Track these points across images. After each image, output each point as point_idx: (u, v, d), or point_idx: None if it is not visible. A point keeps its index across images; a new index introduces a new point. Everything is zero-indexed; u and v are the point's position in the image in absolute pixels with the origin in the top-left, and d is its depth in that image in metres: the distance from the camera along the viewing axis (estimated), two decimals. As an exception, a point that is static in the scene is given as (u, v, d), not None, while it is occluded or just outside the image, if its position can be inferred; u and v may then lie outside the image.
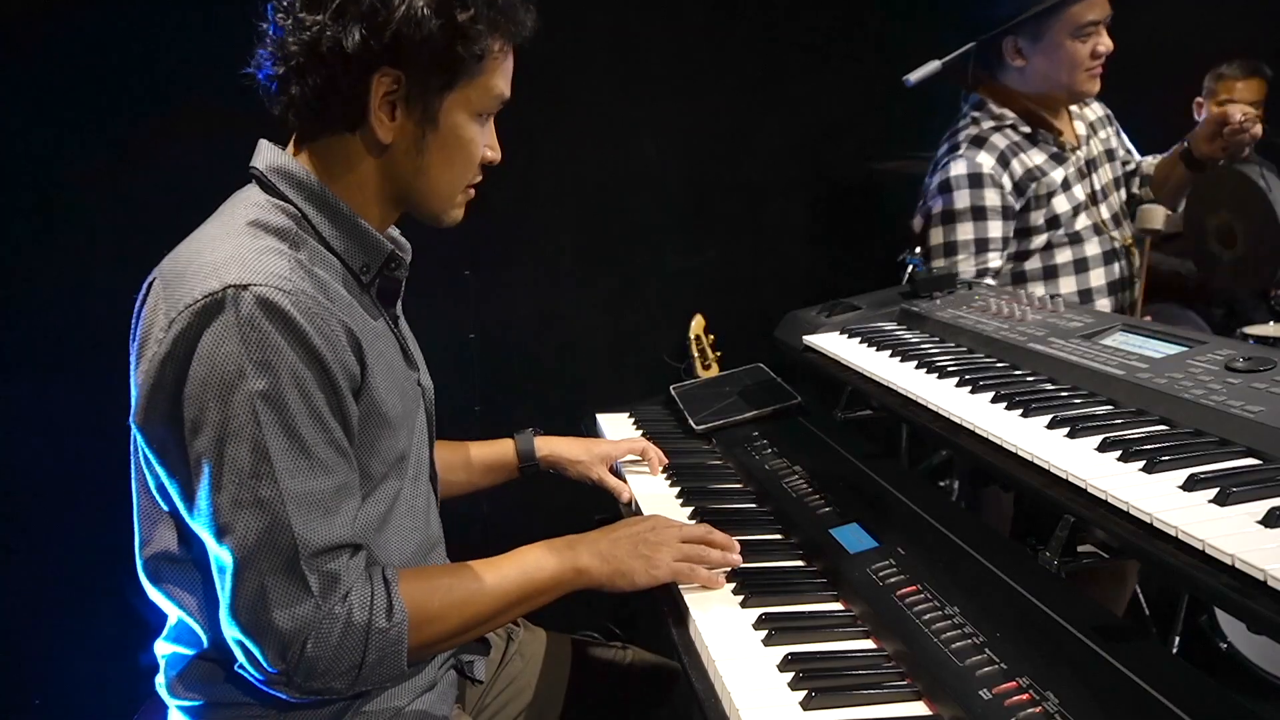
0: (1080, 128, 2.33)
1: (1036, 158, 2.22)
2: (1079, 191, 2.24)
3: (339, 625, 1.09)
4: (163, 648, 1.24)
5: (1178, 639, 2.34)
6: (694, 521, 1.55)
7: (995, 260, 2.19)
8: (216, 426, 1.04)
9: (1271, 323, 2.90)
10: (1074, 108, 2.35)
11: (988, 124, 2.26)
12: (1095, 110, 2.41)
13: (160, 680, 1.24)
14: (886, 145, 3.18)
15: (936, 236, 2.23)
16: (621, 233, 3.02)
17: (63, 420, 2.27)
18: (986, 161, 2.20)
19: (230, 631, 1.10)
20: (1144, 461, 1.09)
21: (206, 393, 1.04)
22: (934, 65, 2.57)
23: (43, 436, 2.30)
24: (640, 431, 2.02)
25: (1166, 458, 1.08)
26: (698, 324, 2.52)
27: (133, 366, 1.12)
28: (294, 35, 1.11)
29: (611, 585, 1.29)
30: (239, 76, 1.18)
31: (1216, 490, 0.99)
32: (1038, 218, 2.20)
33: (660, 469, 1.79)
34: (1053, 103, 2.26)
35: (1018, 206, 2.20)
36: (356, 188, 1.20)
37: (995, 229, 2.19)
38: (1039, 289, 2.23)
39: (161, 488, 1.14)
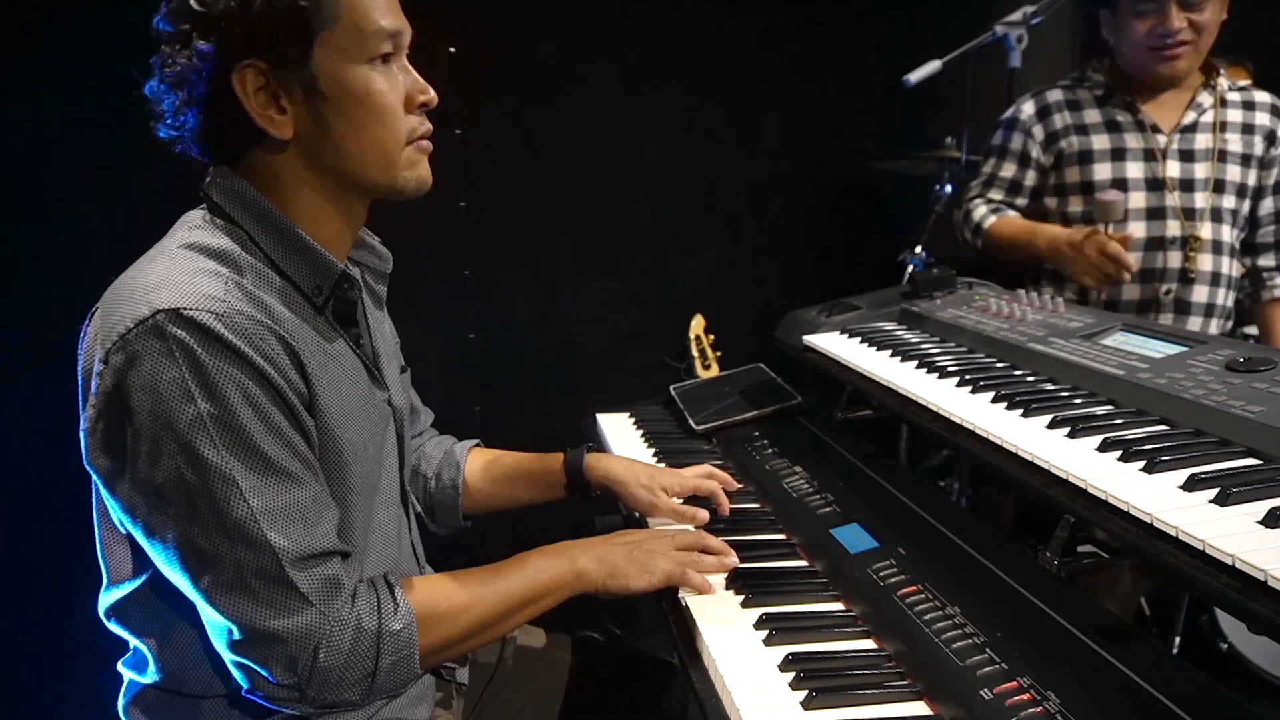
0: (1192, 115, 2.22)
1: (1089, 117, 2.26)
2: (1137, 168, 2.20)
3: (349, 632, 1.07)
4: (124, 670, 1.23)
5: (1178, 639, 2.34)
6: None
7: (996, 194, 2.38)
8: (173, 456, 1.01)
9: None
10: (1225, 96, 2.25)
11: (1065, 80, 2.35)
12: (1262, 118, 2.26)
13: (120, 702, 1.23)
14: (886, 145, 3.18)
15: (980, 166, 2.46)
16: (621, 233, 3.02)
17: (61, 421, 2.26)
18: (1027, 109, 2.34)
19: (231, 655, 1.07)
20: (1144, 461, 1.09)
21: (156, 423, 1.01)
22: (934, 65, 2.58)
23: (40, 438, 2.29)
24: (640, 431, 2.02)
25: (1167, 458, 1.08)
26: (698, 324, 2.51)
27: (80, 402, 1.08)
28: (166, 78, 1.10)
29: (606, 588, 1.29)
30: (152, 140, 1.14)
31: (1217, 490, 0.99)
32: (1072, 175, 2.27)
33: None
34: (1147, 80, 2.23)
35: (1046, 161, 2.31)
36: (297, 197, 1.15)
37: (1008, 170, 2.37)
38: None
39: (122, 523, 1.12)
